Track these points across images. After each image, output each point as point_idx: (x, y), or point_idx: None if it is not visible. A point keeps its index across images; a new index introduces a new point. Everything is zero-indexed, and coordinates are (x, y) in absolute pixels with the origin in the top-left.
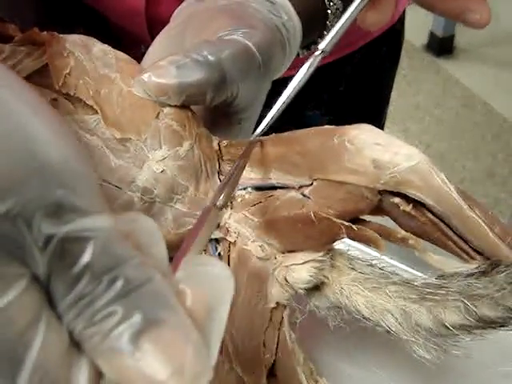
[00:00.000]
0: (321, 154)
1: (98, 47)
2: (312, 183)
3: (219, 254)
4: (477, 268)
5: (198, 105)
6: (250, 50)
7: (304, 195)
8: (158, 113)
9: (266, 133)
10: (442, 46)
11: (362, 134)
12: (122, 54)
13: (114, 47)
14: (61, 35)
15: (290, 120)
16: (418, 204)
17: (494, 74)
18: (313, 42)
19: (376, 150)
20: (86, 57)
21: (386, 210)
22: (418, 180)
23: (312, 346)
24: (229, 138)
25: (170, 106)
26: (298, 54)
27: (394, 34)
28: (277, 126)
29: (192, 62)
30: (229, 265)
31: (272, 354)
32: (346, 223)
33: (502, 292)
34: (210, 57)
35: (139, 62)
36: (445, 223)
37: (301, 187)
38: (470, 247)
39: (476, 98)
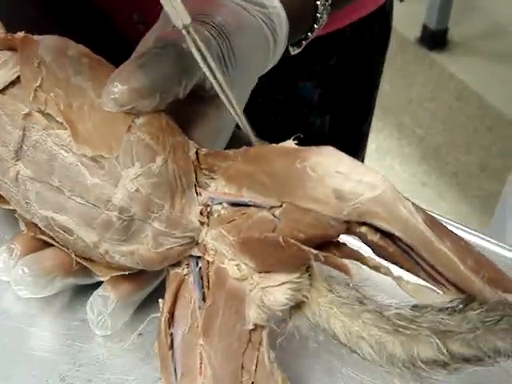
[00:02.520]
0: (286, 178)
1: (73, 50)
2: (281, 205)
3: (200, 268)
4: (450, 302)
5: (173, 99)
6: (206, 37)
7: (275, 216)
8: (130, 126)
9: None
10: (435, 40)
11: (323, 161)
12: (96, 57)
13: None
14: (35, 37)
15: (281, 90)
16: (386, 233)
17: (488, 67)
18: (304, 37)
19: (338, 179)
20: (59, 64)
21: (355, 235)
22: (383, 211)
23: (293, 363)
24: (208, 123)
25: (143, 115)
26: (289, 51)
27: (385, 12)
28: (269, 96)
29: (153, 56)
30: (208, 283)
31: (251, 375)
32: (314, 251)
33: (475, 333)
34: (169, 46)
35: (133, 33)
36: (415, 253)
37: (271, 208)
38: (443, 278)
39: (470, 92)
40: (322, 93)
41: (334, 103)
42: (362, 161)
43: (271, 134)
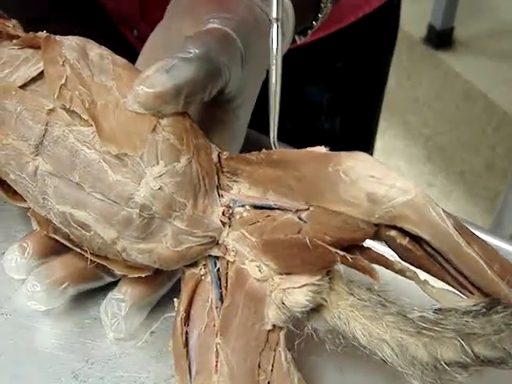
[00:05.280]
0: (316, 182)
1: (95, 51)
2: (308, 208)
3: (218, 269)
4: (474, 306)
5: (197, 103)
6: (229, 35)
7: (301, 219)
8: (155, 126)
9: None
10: (440, 39)
11: (356, 166)
12: (119, 58)
13: (110, 38)
14: (57, 37)
15: (289, 96)
16: (414, 237)
17: (494, 66)
18: (309, 26)
19: (371, 183)
20: (83, 63)
21: (383, 240)
22: (414, 215)
23: (311, 365)
24: (226, 130)
25: (167, 117)
26: (295, 40)
27: (391, 10)
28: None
29: (180, 62)
30: (227, 283)
31: (267, 375)
32: (341, 252)
33: (499, 334)
34: (195, 51)
35: (132, 46)
36: (443, 257)
37: (297, 211)
38: (469, 282)
39: (476, 91)
40: (331, 96)
41: (344, 105)
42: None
43: (281, 139)
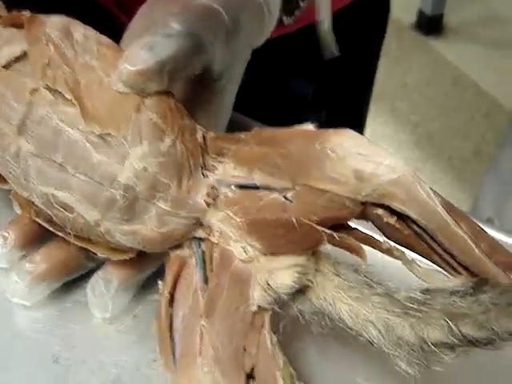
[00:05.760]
0: (303, 159)
1: (79, 31)
2: (294, 187)
3: (203, 251)
4: (462, 285)
5: (181, 80)
6: (215, 10)
7: (286, 198)
8: (139, 105)
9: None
10: (431, 25)
11: (344, 142)
12: (104, 38)
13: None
14: (41, 16)
15: (274, 88)
16: (402, 216)
17: (484, 53)
18: (296, 6)
19: (358, 160)
20: (67, 43)
21: (369, 219)
22: (402, 193)
23: (297, 350)
24: (212, 110)
25: (151, 96)
26: (283, 21)
27: (379, 2)
28: (261, 95)
29: (162, 38)
30: (211, 265)
31: (252, 357)
32: (328, 231)
33: (487, 314)
34: (178, 26)
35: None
36: (430, 236)
37: (283, 190)
38: (456, 261)
39: (465, 78)
40: (317, 88)
41: (330, 98)
42: None
43: None
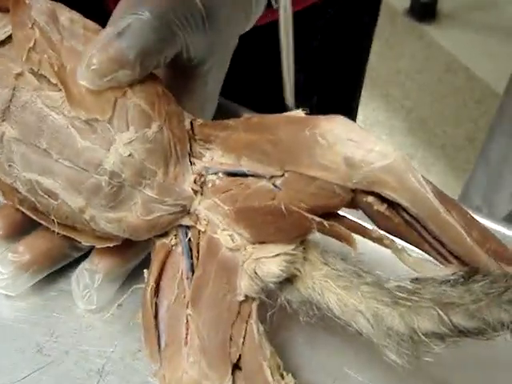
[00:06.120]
0: (292, 146)
1: (66, 15)
2: (283, 174)
3: (189, 239)
4: (453, 275)
5: (154, 68)
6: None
7: (275, 186)
8: (125, 91)
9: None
10: (424, 11)
11: (334, 129)
12: (90, 23)
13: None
14: (27, 0)
15: (264, 75)
16: (392, 204)
17: (477, 39)
18: None
19: (349, 147)
20: (53, 27)
21: (360, 207)
22: (393, 180)
23: (284, 340)
24: (196, 96)
25: (138, 82)
26: (271, 5)
27: None
28: (251, 82)
29: (133, 23)
30: (198, 253)
31: (238, 347)
32: (318, 218)
33: (478, 304)
34: (147, 13)
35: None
36: (421, 225)
37: (272, 177)
38: (447, 250)
39: (458, 64)
40: (307, 76)
41: (321, 84)
42: None
43: None
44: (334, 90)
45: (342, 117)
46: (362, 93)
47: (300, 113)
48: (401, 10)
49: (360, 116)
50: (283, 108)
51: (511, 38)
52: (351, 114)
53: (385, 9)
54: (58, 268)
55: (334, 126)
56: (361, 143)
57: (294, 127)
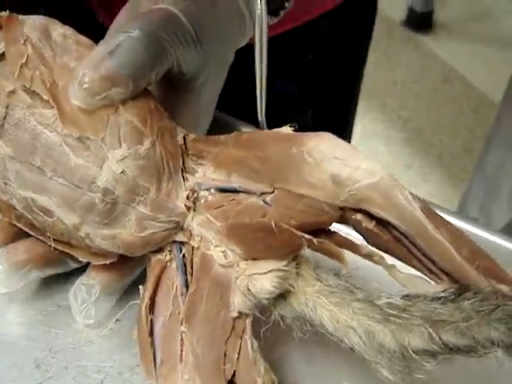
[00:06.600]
0: (281, 163)
1: (59, 31)
2: (273, 191)
3: (184, 255)
4: (443, 292)
5: (147, 85)
6: (173, 15)
7: (265, 202)
8: (118, 107)
9: None
10: (420, 21)
11: (320, 146)
12: (83, 38)
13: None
14: (20, 17)
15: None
16: (381, 221)
17: (473, 49)
18: (280, 7)
19: (335, 165)
20: (45, 43)
21: (349, 223)
22: (380, 198)
23: (280, 355)
24: (190, 110)
25: (131, 98)
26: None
27: (367, 2)
28: (248, 95)
29: (123, 41)
30: (192, 269)
31: (233, 364)
32: (307, 236)
33: (468, 322)
34: (137, 31)
35: (96, 36)
36: (410, 241)
37: (262, 194)
38: (437, 267)
39: (455, 74)
40: (302, 89)
41: (316, 97)
42: None
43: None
44: (330, 103)
45: (329, 134)
46: (360, 103)
47: (288, 129)
48: (397, 21)
49: (357, 126)
50: (282, 122)
51: (507, 47)
52: (347, 127)
53: (381, 19)
54: (55, 282)
55: (320, 143)
56: (347, 161)
57: (282, 144)
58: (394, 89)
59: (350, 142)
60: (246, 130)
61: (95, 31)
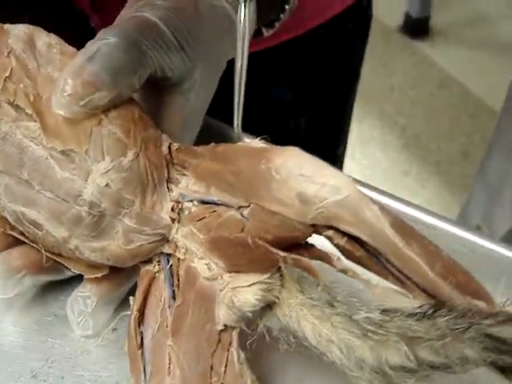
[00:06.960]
0: (251, 178)
1: (44, 40)
2: (249, 205)
3: (171, 266)
4: (419, 307)
5: (131, 90)
6: (151, 22)
7: (243, 216)
8: (101, 119)
9: None
10: (417, 28)
11: (287, 163)
12: (68, 47)
13: (61, 28)
14: (5, 26)
15: (253, 96)
16: (353, 237)
17: (470, 55)
18: (275, 19)
19: (301, 182)
20: (29, 54)
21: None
22: (348, 215)
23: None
24: (177, 115)
25: (114, 108)
26: (262, 33)
27: (360, 11)
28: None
29: (102, 48)
30: (178, 281)
31: (220, 377)
32: (282, 253)
33: (443, 340)
34: (115, 38)
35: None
36: (383, 257)
37: (240, 207)
38: (412, 283)
39: (451, 79)
40: (296, 96)
41: (309, 104)
42: (343, 155)
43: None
44: (324, 110)
45: (295, 149)
46: (356, 109)
47: (258, 143)
48: (394, 27)
49: (354, 132)
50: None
51: (503, 52)
52: (342, 134)
53: (377, 26)
54: (51, 291)
55: (287, 160)
56: (314, 178)
57: (251, 160)
58: (390, 95)
59: (345, 148)
60: (247, 139)
61: (87, 36)
